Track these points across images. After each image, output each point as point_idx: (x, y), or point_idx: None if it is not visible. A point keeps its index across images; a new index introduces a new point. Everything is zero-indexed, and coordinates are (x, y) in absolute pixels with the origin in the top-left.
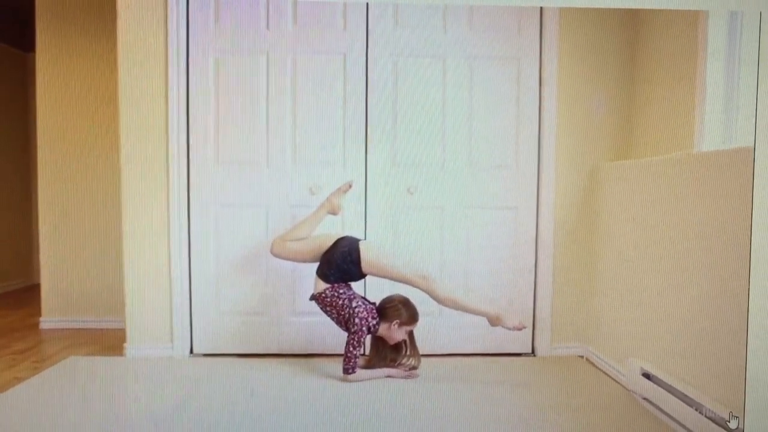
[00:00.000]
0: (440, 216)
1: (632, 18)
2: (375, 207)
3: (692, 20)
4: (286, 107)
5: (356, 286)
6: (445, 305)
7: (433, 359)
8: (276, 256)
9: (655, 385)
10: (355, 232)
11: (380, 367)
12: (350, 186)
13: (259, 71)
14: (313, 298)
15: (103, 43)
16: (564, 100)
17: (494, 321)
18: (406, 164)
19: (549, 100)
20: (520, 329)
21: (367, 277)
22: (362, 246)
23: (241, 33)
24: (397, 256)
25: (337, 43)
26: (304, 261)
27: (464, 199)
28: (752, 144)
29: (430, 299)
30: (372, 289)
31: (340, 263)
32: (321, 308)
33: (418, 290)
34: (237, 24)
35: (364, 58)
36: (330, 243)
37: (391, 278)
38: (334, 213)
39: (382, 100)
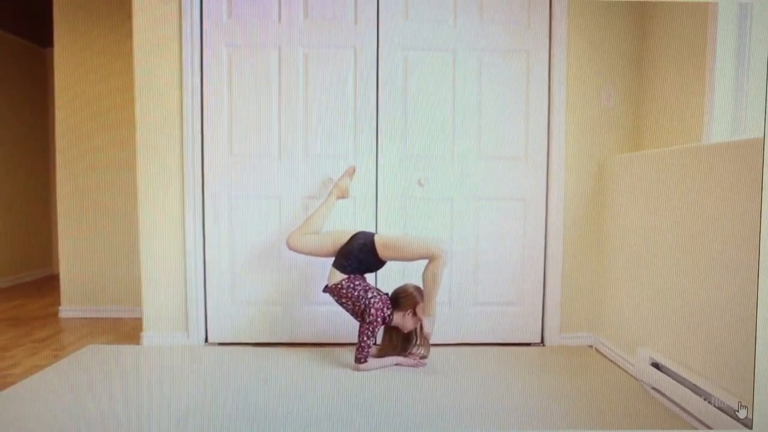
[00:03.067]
0: (450, 207)
1: (641, 10)
2: (386, 199)
3: (702, 12)
4: (298, 100)
5: (368, 279)
6: (425, 279)
7: (443, 348)
8: (293, 250)
9: (664, 375)
10: (367, 223)
11: (391, 355)
12: (354, 169)
13: (271, 64)
14: (327, 289)
15: (120, 37)
16: (573, 93)
17: (425, 332)
18: (417, 156)
19: (558, 93)
20: (415, 364)
21: (380, 269)
22: (377, 236)
23: (253, 27)
24: (410, 235)
25: (348, 36)
26: (322, 255)
27: (474, 190)
28: (761, 135)
29: (443, 290)
30: (383, 281)
31: (357, 253)
32: (336, 299)
33: None
34: (249, 18)
35: (375, 52)
36: (347, 237)
37: (408, 254)
38: (343, 197)
39: (392, 93)
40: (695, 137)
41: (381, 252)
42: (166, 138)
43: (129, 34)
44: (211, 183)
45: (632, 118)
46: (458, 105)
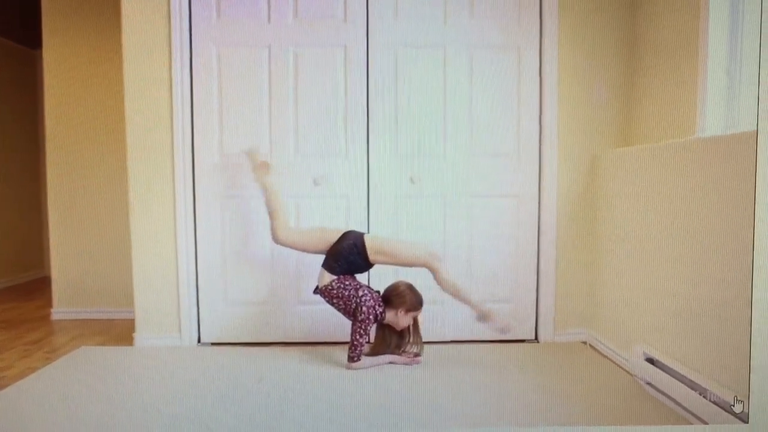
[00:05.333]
0: (443, 204)
1: (632, 4)
2: (378, 197)
3: (693, 3)
4: (289, 99)
5: (359, 278)
6: (444, 288)
7: (437, 346)
8: (282, 245)
9: (658, 370)
10: (359, 222)
11: (384, 353)
12: (267, 164)
13: (261, 64)
14: (317, 291)
15: (109, 38)
16: (565, 88)
17: (483, 316)
18: (408, 154)
19: (549, 88)
20: (503, 330)
21: (371, 269)
22: (367, 237)
23: (242, 26)
24: (403, 241)
25: (338, 34)
26: (310, 251)
27: (466, 187)
28: (755, 128)
29: (433, 286)
30: (376, 279)
31: (347, 254)
32: (327, 300)
33: (420, 277)
34: (239, 18)
35: (365, 50)
36: (336, 236)
37: (398, 261)
38: (264, 186)
39: (383, 91)
40: (688, 131)
41: (372, 256)
42: (156, 138)
43: (118, 36)
44: (202, 183)
45: (625, 112)
46: (449, 101)
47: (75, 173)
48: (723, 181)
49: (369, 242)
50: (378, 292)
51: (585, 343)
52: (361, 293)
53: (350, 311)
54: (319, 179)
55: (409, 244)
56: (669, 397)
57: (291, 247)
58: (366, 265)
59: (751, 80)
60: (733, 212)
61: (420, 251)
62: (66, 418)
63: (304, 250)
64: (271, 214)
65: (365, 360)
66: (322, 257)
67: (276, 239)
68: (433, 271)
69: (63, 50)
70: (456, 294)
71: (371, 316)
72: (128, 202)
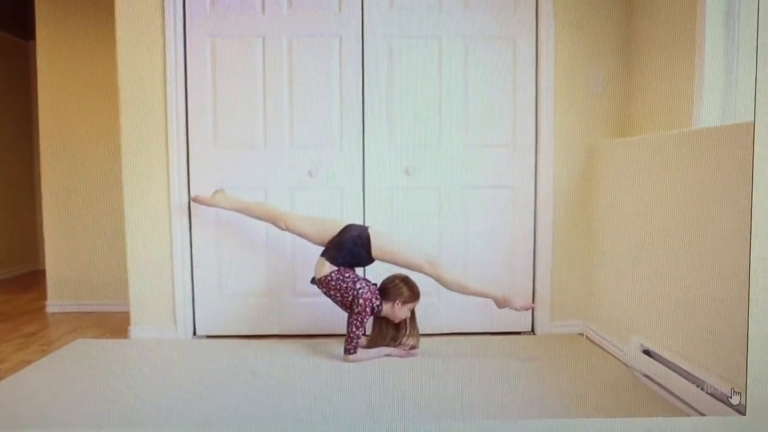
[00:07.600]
0: (438, 196)
1: None
2: (373, 188)
3: None
4: (283, 90)
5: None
6: (453, 290)
7: (433, 338)
8: (289, 231)
9: (655, 362)
10: (354, 213)
11: (381, 346)
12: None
13: (255, 54)
14: (315, 281)
15: (102, 29)
16: (561, 78)
17: (501, 303)
18: (404, 145)
19: (546, 79)
20: (527, 309)
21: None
22: (372, 232)
23: (236, 17)
24: (405, 242)
25: (332, 25)
26: (313, 242)
27: (462, 178)
28: (752, 119)
29: (429, 278)
30: (371, 273)
31: (351, 247)
32: (324, 291)
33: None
34: (233, 8)
35: (360, 40)
36: (337, 229)
37: (399, 264)
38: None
39: (378, 82)
40: (685, 122)
41: (375, 252)
42: (151, 130)
43: (111, 26)
44: (196, 174)
45: (621, 103)
46: (444, 92)
47: (69, 165)
48: (720, 172)
49: (374, 238)
50: (375, 284)
51: (582, 334)
52: (358, 285)
53: (347, 303)
54: (314, 171)
55: (409, 248)
56: (666, 389)
57: (296, 234)
58: (368, 258)
59: (748, 70)
60: (730, 202)
61: (418, 257)
62: (62, 411)
63: (305, 238)
64: (274, 223)
65: (362, 353)
66: (319, 249)
67: (286, 227)
68: (436, 278)
69: (56, 41)
70: (465, 291)
71: (368, 309)
72: (123, 194)
